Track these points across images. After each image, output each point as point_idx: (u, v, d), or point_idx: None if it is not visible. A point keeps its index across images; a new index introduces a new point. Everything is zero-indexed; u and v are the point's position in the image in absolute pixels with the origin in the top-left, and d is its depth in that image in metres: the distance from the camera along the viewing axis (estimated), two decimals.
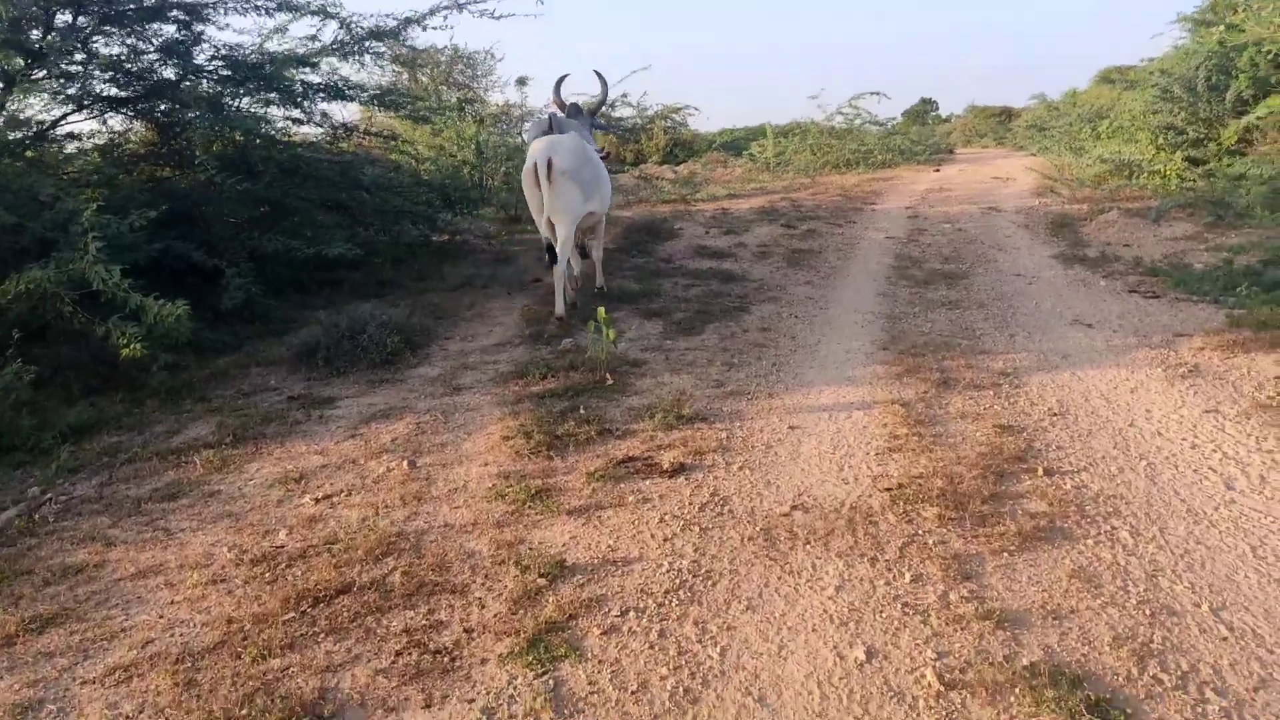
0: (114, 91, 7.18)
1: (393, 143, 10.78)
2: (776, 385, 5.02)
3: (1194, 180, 11.92)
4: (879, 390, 4.86)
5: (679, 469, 3.79)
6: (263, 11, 7.70)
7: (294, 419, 4.68)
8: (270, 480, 3.93)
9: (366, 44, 7.60)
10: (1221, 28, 12.99)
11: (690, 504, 3.47)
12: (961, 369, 5.24)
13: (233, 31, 34.41)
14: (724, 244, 10.12)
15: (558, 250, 6.33)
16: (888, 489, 3.52)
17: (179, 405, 5.02)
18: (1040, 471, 3.67)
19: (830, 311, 6.86)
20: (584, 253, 7.24)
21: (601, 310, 5.17)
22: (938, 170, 18.90)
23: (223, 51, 7.27)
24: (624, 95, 25.45)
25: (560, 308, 6.36)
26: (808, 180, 17.87)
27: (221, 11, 7.39)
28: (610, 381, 5.02)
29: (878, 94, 21.93)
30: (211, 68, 7.31)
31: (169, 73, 7.04)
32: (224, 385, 5.36)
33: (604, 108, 9.02)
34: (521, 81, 19.16)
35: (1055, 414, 4.41)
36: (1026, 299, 7.18)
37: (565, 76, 7.79)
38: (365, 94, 8.21)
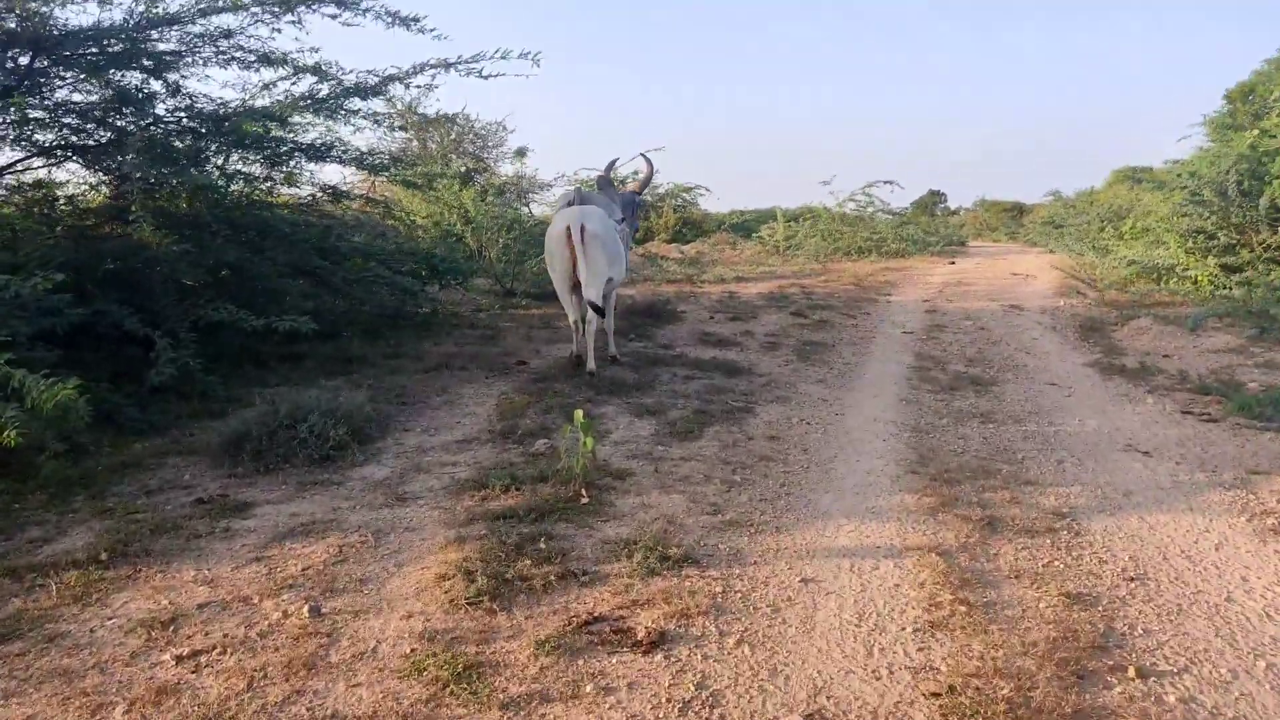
0: (68, 138, 6.49)
1: (384, 209, 10.11)
2: (785, 515, 4.12)
3: (1229, 287, 11.17)
4: (910, 530, 3.96)
5: (658, 640, 2.87)
6: (242, 65, 7.05)
7: (193, 531, 3.77)
8: (133, 622, 3.02)
9: (344, 101, 6.91)
10: (1255, 132, 12.37)
11: (668, 702, 2.55)
12: (1007, 504, 4.34)
13: (218, 85, 34.36)
14: (730, 331, 9.31)
15: (589, 306, 6.55)
16: (934, 694, 2.60)
17: (67, 502, 4.13)
18: (1132, 673, 2.75)
19: (847, 419, 5.99)
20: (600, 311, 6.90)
21: (579, 413, 4.30)
22: (953, 263, 18.24)
23: (184, 103, 6.56)
24: (635, 172, 25.15)
25: (591, 364, 6.77)
26: (818, 266, 17.20)
27: (197, 62, 6.74)
28: (585, 500, 4.12)
29: (891, 183, 21.53)
30: (174, 119, 6.61)
31: (124, 123, 6.31)
32: (130, 479, 4.47)
33: (647, 187, 9.36)
34: (520, 153, 18.72)
35: (1132, 578, 3.49)
36: (1067, 415, 6.31)
37: (616, 160, 8.49)
38: (346, 155, 7.51)
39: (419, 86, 6.99)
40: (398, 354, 7.36)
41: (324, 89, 6.82)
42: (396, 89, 7.02)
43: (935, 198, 56.84)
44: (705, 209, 27.60)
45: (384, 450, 4.94)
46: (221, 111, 6.63)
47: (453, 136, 22.53)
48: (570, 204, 7.06)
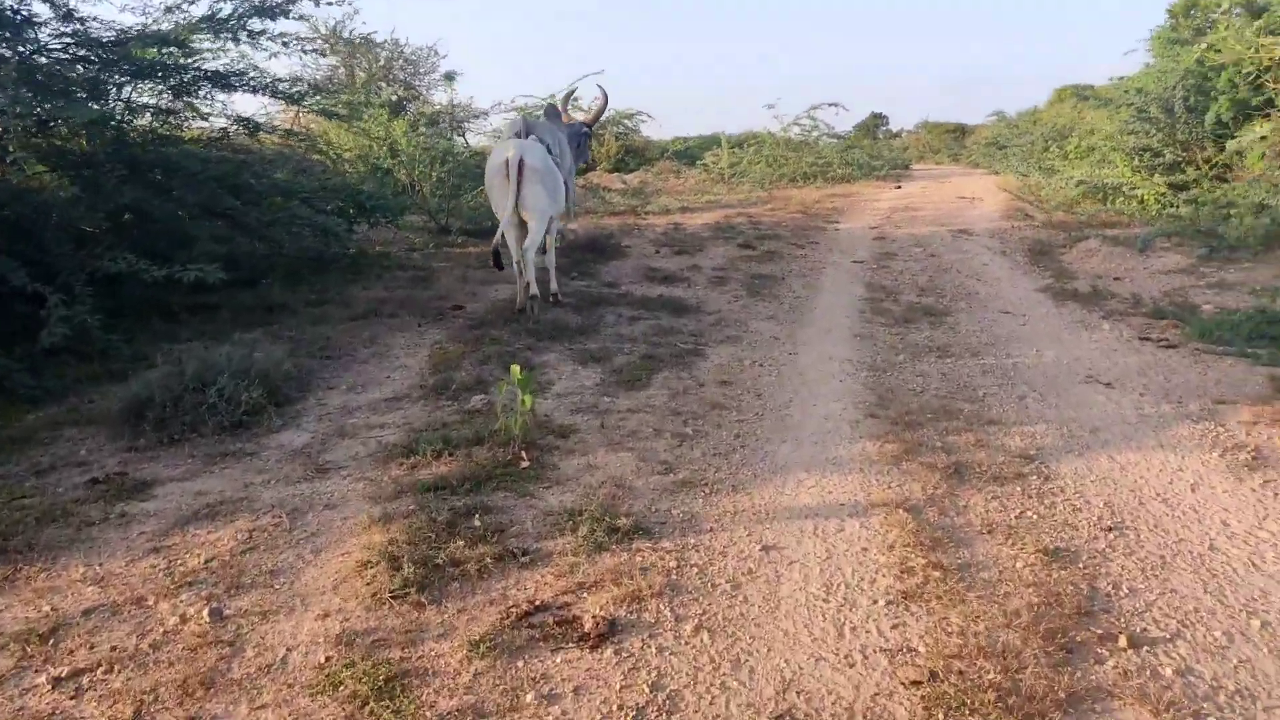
0: None
1: (307, 143, 9.43)
2: (742, 470, 3.83)
3: (1176, 206, 11.07)
4: (874, 483, 3.69)
5: (607, 631, 2.56)
6: None
7: (85, 518, 3.35)
8: (6, 636, 2.62)
9: (247, 21, 6.25)
10: (1201, 47, 12.15)
11: (620, 710, 2.25)
12: (972, 448, 4.10)
13: (115, 9, 32.12)
14: (676, 266, 8.94)
15: (527, 240, 6.40)
16: (915, 682, 2.33)
17: None
18: (1123, 642, 2.52)
19: (801, 358, 5.70)
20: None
21: (515, 367, 3.92)
22: (899, 187, 17.99)
23: (74, 28, 5.85)
24: (575, 98, 24.29)
25: (521, 299, 6.56)
26: (764, 194, 16.81)
27: None
28: (526, 463, 3.78)
29: (835, 105, 20.99)
30: (59, 45, 5.91)
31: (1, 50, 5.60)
32: (18, 456, 4.00)
33: (599, 118, 9.39)
34: (449, 77, 17.89)
35: (1109, 528, 3.27)
36: (1024, 345, 6.10)
37: (573, 91, 9.45)
38: (259, 83, 6.86)
39: (331, 2, 6.33)
40: (322, 300, 6.86)
41: (225, 8, 6.15)
42: (306, 6, 6.35)
43: (877, 120, 56.38)
44: (648, 136, 26.93)
45: (304, 413, 4.52)
46: (118, 38, 5.94)
47: (381, 63, 21.45)
48: (516, 134, 6.86)
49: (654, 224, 12.36)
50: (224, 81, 6.64)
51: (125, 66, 5.94)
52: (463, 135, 19.35)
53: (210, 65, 7.52)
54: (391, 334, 6.04)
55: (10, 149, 5.04)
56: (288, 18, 6.35)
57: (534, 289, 6.53)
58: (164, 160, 6.23)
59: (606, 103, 9.28)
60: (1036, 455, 4.05)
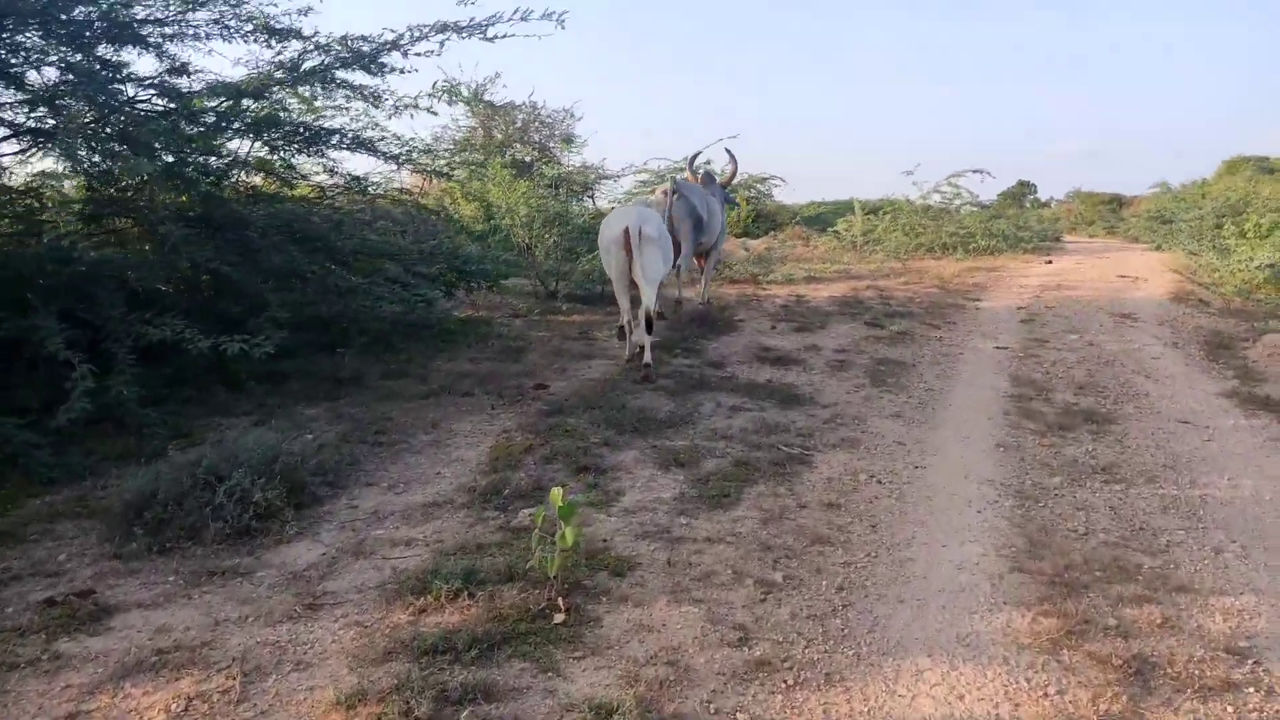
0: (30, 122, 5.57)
1: (413, 204, 9.08)
2: (842, 648, 2.87)
3: None
4: (1025, 685, 2.67)
5: None
6: (244, 37, 6.06)
7: (12, 658, 2.71)
8: None
9: (332, 74, 5.82)
10: None
11: None
12: (1159, 632, 3.02)
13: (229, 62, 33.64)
14: (792, 345, 8.01)
15: (641, 310, 6.59)
16: None
17: None
18: None
19: (929, 474, 4.67)
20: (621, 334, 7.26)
21: (557, 491, 3.09)
22: (1049, 262, 16.46)
23: (154, 80, 5.56)
24: (709, 163, 23.74)
25: (630, 352, 7.01)
26: (898, 265, 15.64)
27: (169, 38, 5.74)
28: (561, 616, 2.94)
29: (980, 172, 19.58)
30: (145, 97, 5.63)
31: (82, 104, 5.31)
32: None
33: (733, 180, 10.37)
34: (568, 140, 17.61)
35: None
36: (1212, 470, 4.89)
37: (699, 154, 10.26)
38: (351, 140, 6.45)
39: (424, 55, 5.85)
40: (401, 373, 6.28)
41: (311, 60, 5.76)
42: (394, 57, 5.88)
43: (1024, 189, 53.82)
44: (780, 200, 26.15)
45: (327, 518, 3.84)
46: (185, 88, 5.62)
47: (518, 124, 21.58)
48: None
49: (775, 295, 11.47)
50: (313, 137, 6.25)
51: (201, 119, 5.59)
52: (591, 198, 19.11)
53: (325, 122, 7.26)
54: (459, 416, 5.36)
55: (48, 206, 4.67)
56: (374, 72, 5.88)
57: (648, 357, 6.59)
58: (240, 219, 5.82)
59: (736, 167, 10.26)
60: (1250, 649, 2.94)
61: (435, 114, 7.43)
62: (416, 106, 6.97)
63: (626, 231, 6.46)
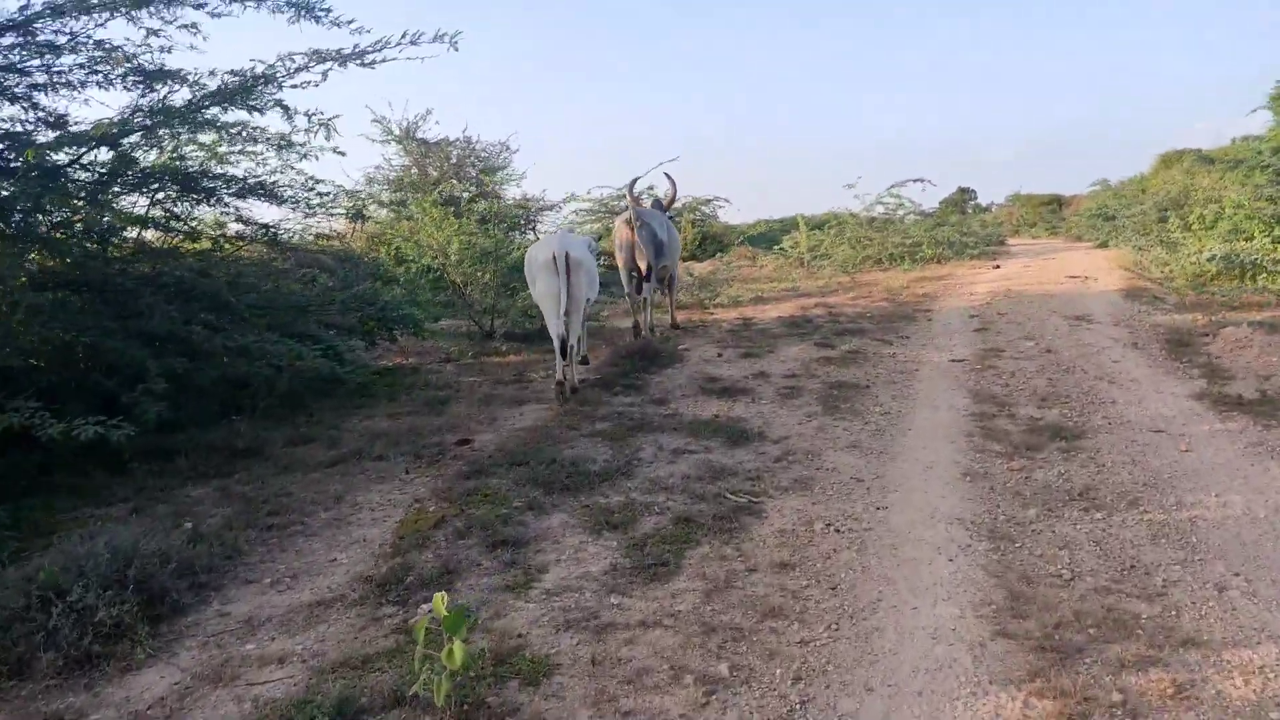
0: None
1: (330, 245, 8.48)
2: None
3: None
4: None
5: None
6: (121, 80, 5.46)
7: None
8: None
9: (199, 113, 5.23)
10: None
11: None
12: (1175, 708, 2.53)
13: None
14: (740, 373, 7.51)
15: (569, 339, 6.64)
16: None
17: None
18: None
19: (893, 516, 4.17)
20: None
21: (440, 597, 2.51)
22: (997, 266, 16.24)
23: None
24: (650, 188, 23.32)
25: (560, 374, 6.78)
26: (846, 279, 15.31)
27: (37, 88, 5.14)
28: None
29: (922, 180, 19.37)
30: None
31: None
32: None
33: (674, 203, 10.36)
34: (488, 172, 17.14)
35: None
36: (1197, 486, 4.46)
37: (637, 179, 9.97)
38: (233, 184, 5.86)
39: (303, 86, 5.29)
40: (308, 437, 5.65)
41: (179, 96, 5.17)
42: (271, 90, 5.29)
43: (964, 195, 54.34)
44: (726, 222, 25.83)
45: (191, 632, 3.21)
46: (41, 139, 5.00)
47: (453, 160, 21.01)
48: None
49: (721, 319, 11.00)
50: (200, 184, 5.65)
51: (76, 176, 4.98)
52: (533, 230, 18.54)
53: (232, 169, 6.69)
54: (367, 486, 4.75)
55: None
56: (252, 110, 5.29)
57: (574, 380, 6.81)
58: (118, 281, 5.19)
59: (676, 190, 10.21)
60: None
61: (343, 154, 6.86)
62: (316, 147, 6.39)
63: (554, 258, 6.49)
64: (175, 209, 6.31)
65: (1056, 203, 33.34)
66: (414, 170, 20.70)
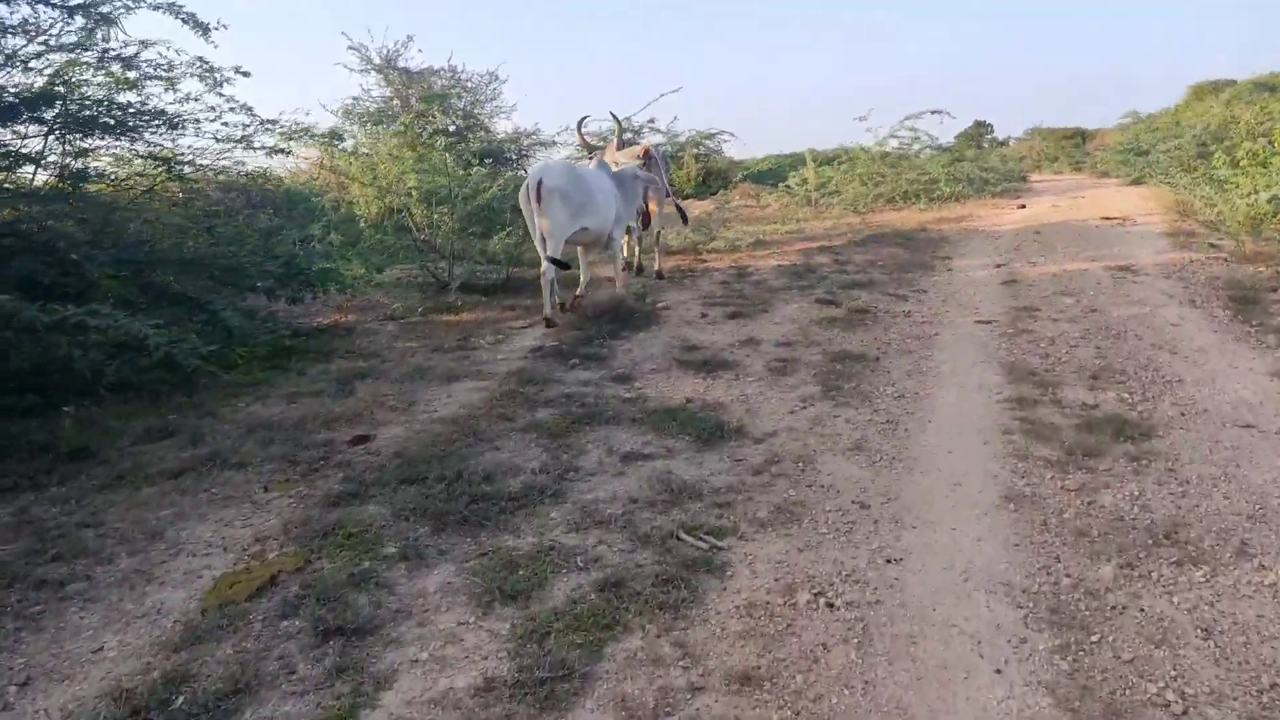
0: None
1: (254, 181, 7.18)
2: None
3: None
4: None
5: None
6: None
7: None
8: None
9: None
10: None
11: None
12: None
13: None
14: (725, 339, 6.23)
15: (545, 260, 6.55)
16: None
17: None
18: None
19: (909, 576, 2.92)
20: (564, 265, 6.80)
21: None
22: (1022, 206, 14.72)
23: None
24: (651, 120, 21.57)
25: (547, 309, 6.69)
26: (856, 219, 13.86)
27: None
28: None
29: (939, 112, 17.64)
30: None
31: None
32: None
33: (618, 139, 9.32)
34: (440, 97, 15.66)
35: None
36: None
37: (585, 118, 10.78)
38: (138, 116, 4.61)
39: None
40: (166, 430, 4.41)
41: None
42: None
43: (981, 129, 52.16)
44: (731, 157, 24.16)
45: None
46: None
47: (436, 90, 19.36)
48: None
49: (714, 267, 9.65)
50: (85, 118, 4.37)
51: None
52: (523, 169, 17.02)
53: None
54: (204, 513, 3.51)
55: None
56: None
57: (546, 309, 6.71)
58: None
59: (621, 127, 9.76)
60: None
61: (247, 74, 5.67)
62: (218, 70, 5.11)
63: (527, 187, 6.53)
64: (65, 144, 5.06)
65: (1080, 137, 31.39)
66: (395, 102, 19.14)
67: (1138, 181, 17.57)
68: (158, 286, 4.98)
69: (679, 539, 3.16)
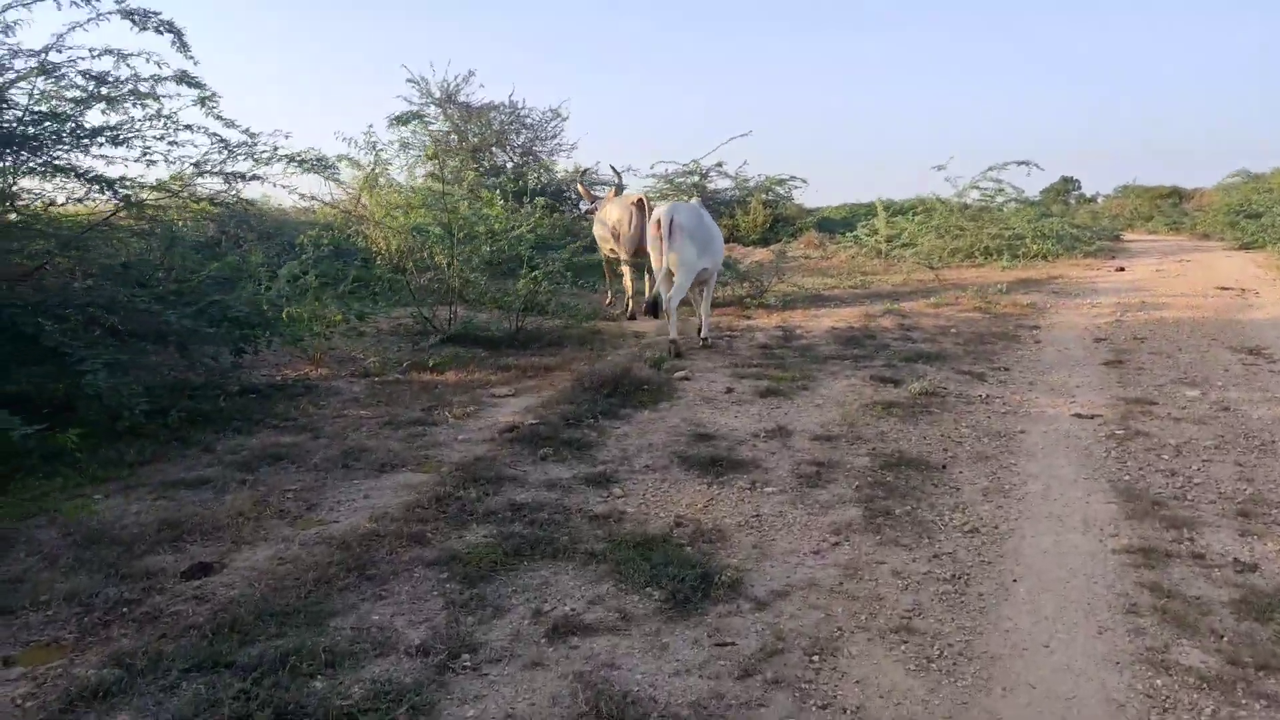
0: None
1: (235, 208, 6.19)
2: None
3: None
4: None
5: None
6: None
7: None
8: None
9: None
10: None
11: None
12: None
13: None
14: (748, 426, 4.86)
15: (670, 295, 6.75)
16: None
17: None
18: None
19: None
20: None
21: None
22: (1121, 269, 12.97)
23: None
24: (719, 164, 20.42)
25: (674, 332, 6.83)
26: (930, 275, 12.32)
27: None
28: None
29: (1026, 163, 15.99)
30: None
31: None
32: None
33: (618, 188, 9.87)
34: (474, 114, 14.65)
35: None
36: None
37: (587, 170, 12.69)
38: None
39: None
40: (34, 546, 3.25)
41: None
42: None
43: (1068, 184, 49.75)
44: (803, 204, 22.77)
45: None
46: None
47: (495, 127, 18.52)
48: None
49: (759, 325, 8.29)
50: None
51: None
52: (579, 207, 16.03)
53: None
54: None
55: None
56: None
57: (673, 333, 6.81)
58: None
59: (621, 181, 10.34)
60: None
61: (201, 86, 4.73)
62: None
63: (659, 221, 6.73)
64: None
65: (1176, 195, 29.03)
66: (453, 136, 18.34)
67: (1247, 246, 15.56)
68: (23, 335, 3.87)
69: None
